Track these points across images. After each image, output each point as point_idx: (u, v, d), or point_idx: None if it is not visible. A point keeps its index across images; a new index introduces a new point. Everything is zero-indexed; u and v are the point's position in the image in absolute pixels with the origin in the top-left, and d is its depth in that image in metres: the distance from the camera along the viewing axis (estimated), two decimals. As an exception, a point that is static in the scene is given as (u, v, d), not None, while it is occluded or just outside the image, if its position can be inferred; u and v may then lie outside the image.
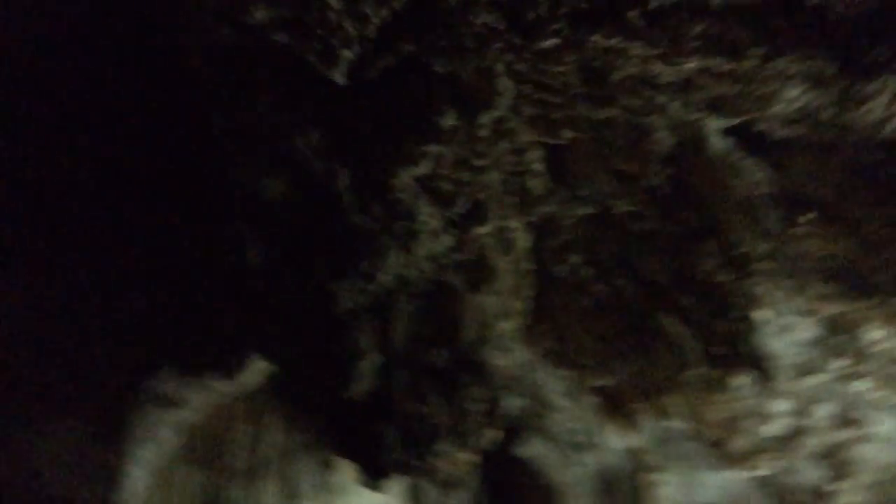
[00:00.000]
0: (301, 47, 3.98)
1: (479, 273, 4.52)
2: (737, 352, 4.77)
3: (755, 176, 5.26)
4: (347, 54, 3.95)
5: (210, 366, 4.97)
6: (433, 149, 4.18)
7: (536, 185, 4.79)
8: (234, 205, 4.25)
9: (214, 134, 4.33)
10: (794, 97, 4.59)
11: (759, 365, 4.80)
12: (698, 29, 4.24)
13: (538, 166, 4.74)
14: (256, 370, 5.26)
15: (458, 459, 4.36)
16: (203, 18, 3.93)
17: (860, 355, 6.56)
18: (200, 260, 4.52)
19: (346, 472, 5.84)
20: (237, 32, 4.01)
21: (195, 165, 4.40)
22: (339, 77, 4.06)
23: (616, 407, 5.53)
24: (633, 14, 3.99)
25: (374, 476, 4.13)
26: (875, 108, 3.87)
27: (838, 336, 6.58)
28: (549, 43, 4.06)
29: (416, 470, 4.05)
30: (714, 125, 5.18)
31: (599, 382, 5.17)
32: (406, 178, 4.19)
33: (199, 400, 5.19)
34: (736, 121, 5.02)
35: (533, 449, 6.49)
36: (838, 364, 6.75)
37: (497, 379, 4.34)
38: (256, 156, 4.31)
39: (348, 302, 4.05)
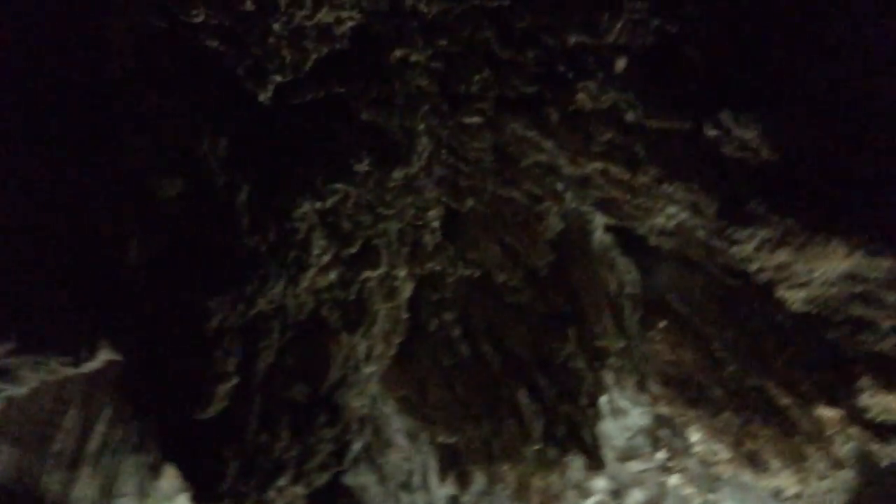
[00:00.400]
0: (233, 59, 3.92)
1: (357, 315, 4.58)
2: (577, 437, 5.07)
3: (627, 276, 5.67)
4: (278, 78, 3.94)
5: (57, 347, 4.70)
6: (341, 188, 4.23)
7: (430, 240, 4.94)
8: (125, 198, 4.09)
9: (116, 121, 4.15)
10: (674, 214, 5.00)
11: (593, 453, 5.12)
12: (606, 137, 4.54)
13: (435, 224, 4.90)
14: (100, 358, 5.04)
15: (294, 493, 4.36)
16: (141, 5, 3.79)
17: (679, 453, 7.16)
18: (72, 242, 4.29)
19: (171, 479, 5.67)
20: (172, 27, 3.89)
21: (89, 148, 4.17)
22: (263, 96, 4.03)
23: (454, 463, 5.73)
24: (553, 113, 4.23)
25: (206, 499, 4.03)
26: (743, 251, 4.27)
27: (665, 431, 7.14)
28: (473, 119, 4.24)
29: (251, 500, 4.00)
30: (600, 220, 5.57)
31: (447, 439, 5.34)
32: (308, 209, 4.21)
33: (36, 379, 4.90)
34: (620, 222, 5.42)
35: (363, 481, 6.57)
36: (660, 456, 7.32)
37: (350, 422, 4.39)
38: (157, 151, 4.17)
39: (220, 320, 3.98)
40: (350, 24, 3.78)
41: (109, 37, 4.00)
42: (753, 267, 4.46)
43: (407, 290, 4.92)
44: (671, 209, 4.97)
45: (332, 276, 4.41)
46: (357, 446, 4.44)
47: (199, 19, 3.76)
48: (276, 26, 3.71)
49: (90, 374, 5.23)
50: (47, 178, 4.31)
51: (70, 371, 4.95)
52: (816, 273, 4.10)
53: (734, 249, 4.48)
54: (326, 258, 4.35)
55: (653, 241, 5.50)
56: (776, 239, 4.01)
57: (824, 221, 3.84)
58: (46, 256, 4.52)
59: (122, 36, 4.01)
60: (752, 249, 4.23)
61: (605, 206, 5.30)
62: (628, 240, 5.71)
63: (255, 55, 3.86)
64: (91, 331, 4.70)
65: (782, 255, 4.13)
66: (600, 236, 5.59)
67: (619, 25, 3.73)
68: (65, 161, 4.16)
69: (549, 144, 4.43)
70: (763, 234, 4.08)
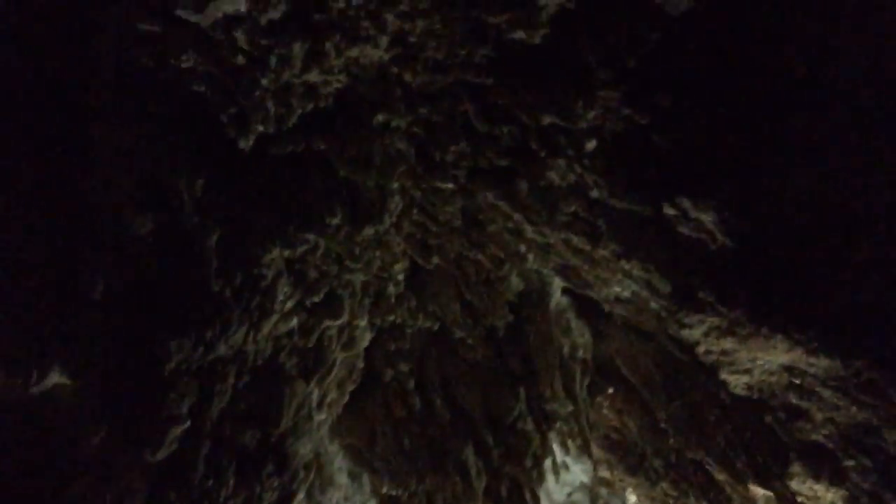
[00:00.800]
0: (217, 104, 3.98)
1: (315, 362, 4.62)
2: (519, 497, 5.16)
3: (580, 339, 5.82)
4: (260, 128, 4.00)
5: (7, 367, 4.62)
6: (312, 238, 4.30)
7: (393, 292, 5.02)
8: (95, 229, 4.08)
9: (92, 151, 4.16)
10: (629, 286, 5.17)
11: (533, 515, 5.21)
12: (571, 210, 4.70)
13: (400, 277, 5.00)
14: (50, 381, 4.96)
15: (235, 537, 4.34)
16: (131, 43, 3.83)
17: (616, 512, 7.31)
18: (37, 266, 4.26)
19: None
20: (158, 65, 3.94)
21: (62, 179, 4.17)
22: (244, 144, 4.09)
23: (396, 512, 5.76)
24: (522, 185, 4.38)
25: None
26: (691, 335, 4.45)
27: (604, 490, 7.29)
28: (446, 185, 4.36)
29: (191, 544, 3.98)
30: (559, 283, 5.72)
31: (390, 491, 5.38)
32: (276, 255, 4.26)
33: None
34: (578, 287, 5.57)
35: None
36: (596, 514, 7.46)
37: (297, 470, 4.41)
38: (131, 185, 4.18)
39: (178, 362, 3.98)
40: (336, 86, 3.88)
41: (96, 68, 4.03)
42: (700, 349, 4.65)
43: (365, 340, 4.98)
44: (627, 282, 5.14)
45: (294, 322, 4.45)
46: (302, 495, 4.44)
47: (188, 65, 3.81)
48: (264, 81, 3.79)
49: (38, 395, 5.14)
50: (17, 199, 4.29)
51: (19, 392, 4.87)
52: (758, 362, 4.31)
53: (684, 332, 4.67)
54: (290, 304, 4.39)
55: (607, 308, 5.67)
56: (723, 328, 4.21)
57: (769, 316, 4.05)
58: (8, 276, 4.47)
59: (109, 70, 4.04)
60: (700, 334, 4.42)
61: (564, 271, 5.46)
62: (583, 304, 5.87)
63: (241, 105, 3.93)
64: (43, 354, 4.64)
65: (728, 343, 4.33)
66: (558, 298, 5.73)
67: (591, 114, 3.89)
68: (33, 183, 4.15)
69: (516, 215, 4.57)
70: (711, 321, 4.27)
